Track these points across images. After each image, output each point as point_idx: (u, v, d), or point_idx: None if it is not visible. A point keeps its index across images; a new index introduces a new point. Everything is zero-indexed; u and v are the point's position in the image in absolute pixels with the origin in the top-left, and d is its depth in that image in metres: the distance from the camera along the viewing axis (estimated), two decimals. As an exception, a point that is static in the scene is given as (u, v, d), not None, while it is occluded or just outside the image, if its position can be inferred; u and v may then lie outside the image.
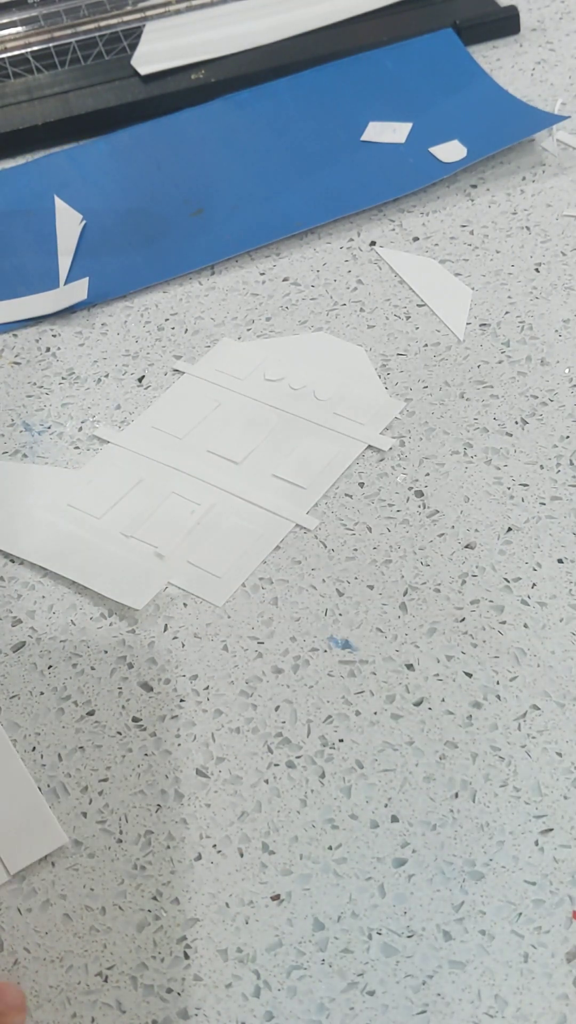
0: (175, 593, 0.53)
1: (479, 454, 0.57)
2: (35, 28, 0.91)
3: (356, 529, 0.55)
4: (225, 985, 0.40)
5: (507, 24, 0.88)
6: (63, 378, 0.65)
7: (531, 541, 0.53)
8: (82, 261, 0.73)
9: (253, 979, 0.41)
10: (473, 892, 0.42)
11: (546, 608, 0.50)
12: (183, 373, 0.65)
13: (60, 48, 0.89)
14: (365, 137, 0.79)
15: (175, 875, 0.43)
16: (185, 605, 0.53)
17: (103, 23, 0.91)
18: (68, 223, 0.76)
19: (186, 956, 0.41)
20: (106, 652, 0.51)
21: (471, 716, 0.47)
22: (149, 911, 0.43)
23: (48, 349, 0.68)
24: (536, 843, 0.43)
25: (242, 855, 0.44)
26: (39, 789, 0.46)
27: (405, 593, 0.52)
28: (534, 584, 0.51)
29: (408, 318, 0.66)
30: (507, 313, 0.65)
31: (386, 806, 0.45)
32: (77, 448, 0.61)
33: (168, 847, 0.44)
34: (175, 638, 0.51)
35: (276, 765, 0.46)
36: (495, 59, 0.86)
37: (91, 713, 0.49)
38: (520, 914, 0.41)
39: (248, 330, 0.67)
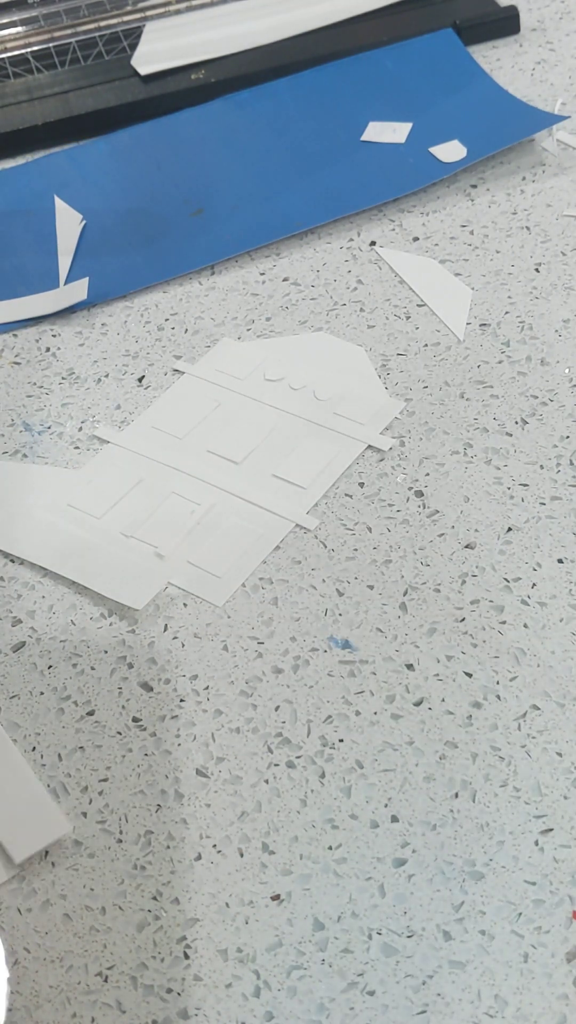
0: (175, 593, 0.53)
1: (479, 454, 0.57)
2: (35, 28, 0.91)
3: (356, 529, 0.55)
4: (225, 985, 0.40)
5: (507, 24, 0.88)
6: (63, 378, 0.65)
7: (531, 541, 0.53)
8: (82, 261, 0.73)
9: (253, 979, 0.41)
10: (473, 892, 0.42)
11: (546, 608, 0.50)
12: (183, 373, 0.65)
13: (60, 48, 0.89)
14: (365, 137, 0.79)
15: (175, 875, 0.43)
16: (185, 605, 0.53)
17: (103, 23, 0.91)
18: (68, 223, 0.76)
19: (186, 956, 0.41)
20: (106, 652, 0.51)
21: (471, 716, 0.47)
22: (149, 911, 0.43)
23: (48, 349, 0.68)
24: (536, 843, 0.43)
25: (242, 855, 0.44)
26: (39, 789, 0.46)
27: (405, 593, 0.52)
28: (534, 584, 0.51)
29: (408, 318, 0.66)
30: (507, 313, 0.65)
31: (386, 806, 0.45)
32: (77, 448, 0.61)
33: (168, 847, 0.44)
34: (175, 638, 0.51)
35: (276, 765, 0.46)
36: (495, 59, 0.86)
37: (91, 713, 0.49)
38: (520, 914, 0.41)
39: (248, 330, 0.67)
